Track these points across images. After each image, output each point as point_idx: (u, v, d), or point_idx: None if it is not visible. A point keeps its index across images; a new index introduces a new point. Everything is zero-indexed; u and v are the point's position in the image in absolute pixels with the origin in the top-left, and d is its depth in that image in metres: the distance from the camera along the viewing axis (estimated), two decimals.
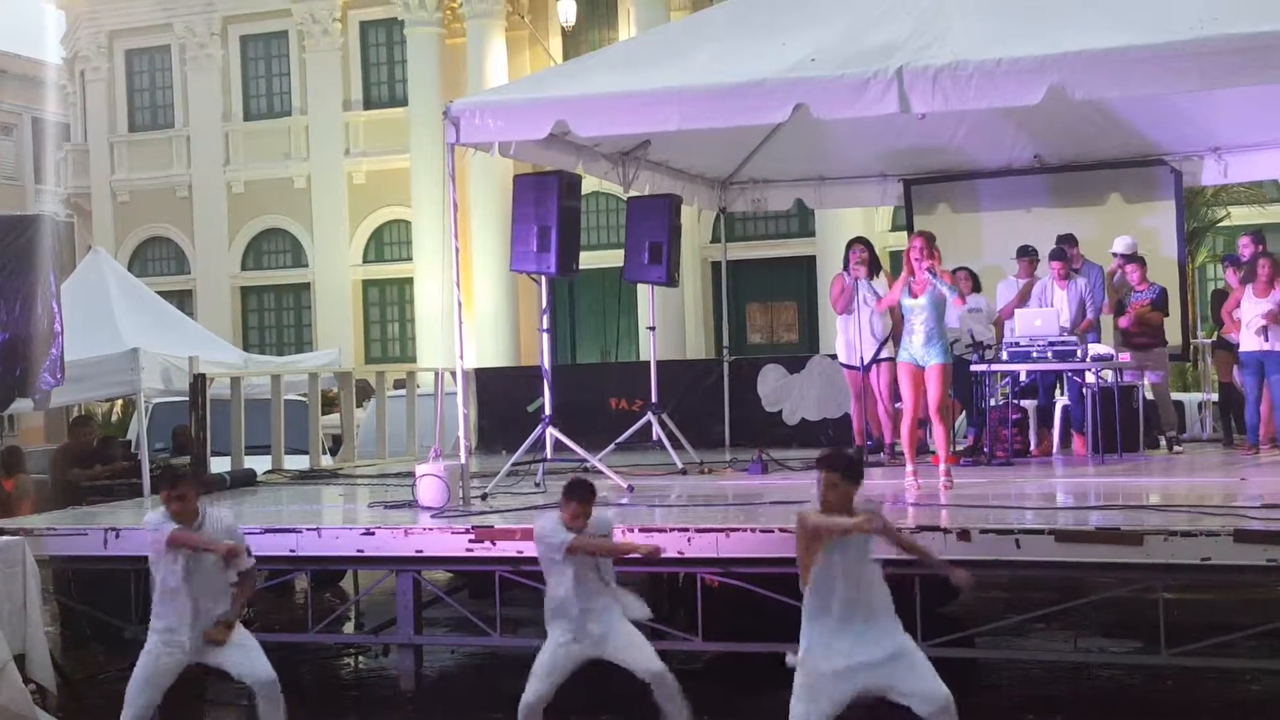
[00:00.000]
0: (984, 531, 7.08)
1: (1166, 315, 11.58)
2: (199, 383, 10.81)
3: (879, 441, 11.27)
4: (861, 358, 10.63)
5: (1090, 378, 10.72)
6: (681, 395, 12.88)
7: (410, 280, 24.85)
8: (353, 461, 12.78)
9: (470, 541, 7.86)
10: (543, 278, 10.07)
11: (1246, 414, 11.05)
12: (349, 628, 10.06)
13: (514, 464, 9.93)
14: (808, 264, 22.50)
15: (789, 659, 5.71)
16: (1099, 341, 11.29)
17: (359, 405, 14.79)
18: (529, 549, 7.76)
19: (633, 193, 11.56)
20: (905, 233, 13.76)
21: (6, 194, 35.81)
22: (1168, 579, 7.05)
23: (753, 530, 7.46)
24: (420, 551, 7.99)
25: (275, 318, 26.98)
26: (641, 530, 7.62)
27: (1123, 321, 11.48)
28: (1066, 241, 11.49)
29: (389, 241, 26.10)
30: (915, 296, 8.91)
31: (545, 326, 10.28)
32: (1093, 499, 8.86)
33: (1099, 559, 6.92)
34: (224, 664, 6.68)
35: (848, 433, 11.51)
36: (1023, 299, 11.37)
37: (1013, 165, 12.82)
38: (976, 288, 11.94)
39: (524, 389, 12.98)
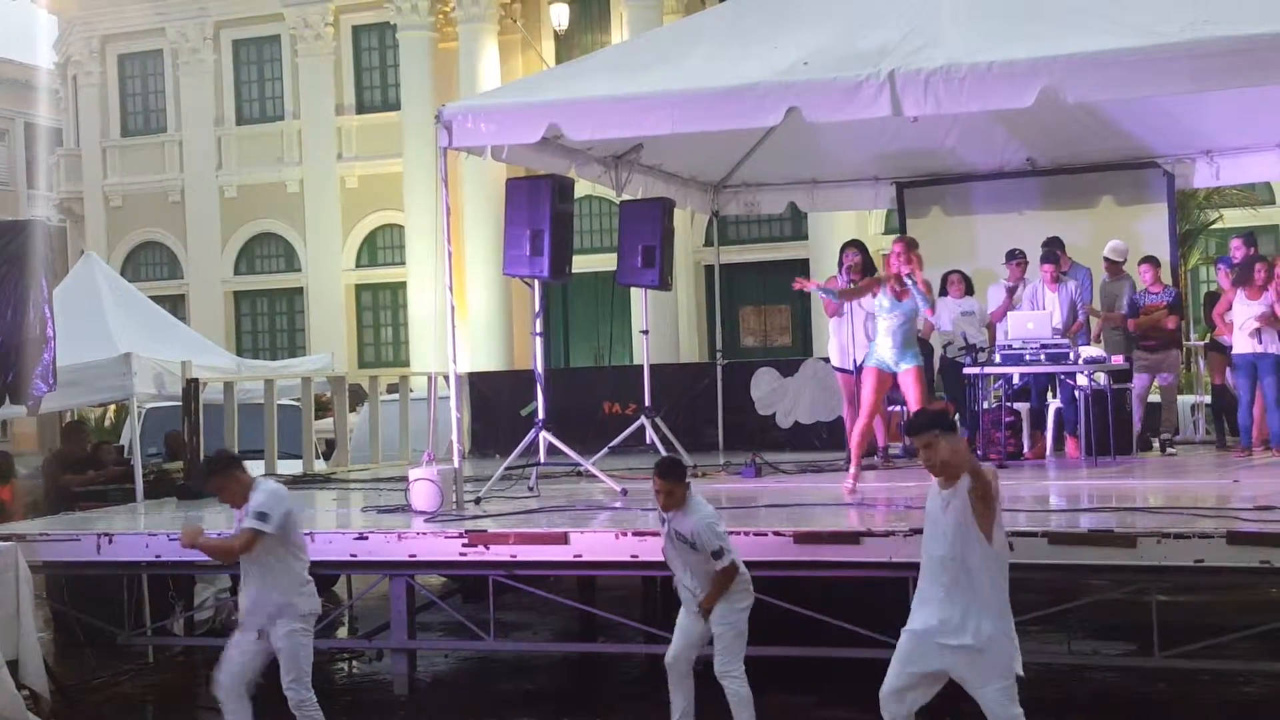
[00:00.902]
0: None
1: (1182, 319, 11.59)
2: (192, 387, 10.79)
3: (872, 444, 11.27)
4: (854, 360, 10.64)
5: (1082, 380, 10.73)
6: (675, 399, 12.88)
7: (403, 284, 24.84)
8: (346, 466, 12.76)
9: (464, 546, 7.85)
10: (536, 281, 10.07)
11: (1239, 416, 11.07)
12: (342, 632, 10.06)
13: (507, 468, 9.92)
14: (800, 267, 22.46)
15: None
16: (1089, 344, 11.30)
17: (352, 409, 14.77)
18: (523, 553, 7.77)
19: (625, 196, 11.56)
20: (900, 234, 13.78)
21: None
22: (1161, 581, 7.05)
23: (746, 534, 7.44)
24: (414, 556, 7.98)
25: (268, 322, 26.95)
26: (635, 534, 7.61)
27: (1132, 324, 11.49)
28: (1054, 244, 11.52)
29: (382, 246, 26.08)
30: (899, 300, 8.93)
31: (538, 330, 10.28)
32: (1086, 501, 8.87)
33: (1092, 561, 6.92)
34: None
35: (841, 436, 11.51)
36: (1007, 311, 11.37)
37: (1005, 168, 12.83)
38: (969, 290, 11.96)
39: (517, 393, 12.99)
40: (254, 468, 11.41)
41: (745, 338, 23.72)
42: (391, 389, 14.81)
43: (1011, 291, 11.46)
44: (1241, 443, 11.03)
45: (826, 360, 11.99)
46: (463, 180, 21.81)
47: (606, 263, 13.82)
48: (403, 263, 24.81)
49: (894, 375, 9.04)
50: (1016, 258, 11.56)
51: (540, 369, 10.22)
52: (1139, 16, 7.82)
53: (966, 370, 11.09)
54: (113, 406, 18.49)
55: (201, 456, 10.93)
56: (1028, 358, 10.72)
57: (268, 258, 26.92)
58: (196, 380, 10.91)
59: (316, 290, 26.04)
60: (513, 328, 23.11)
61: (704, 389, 13.31)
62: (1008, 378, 11.02)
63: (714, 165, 12.90)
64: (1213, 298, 12.23)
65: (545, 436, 9.84)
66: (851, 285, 10.05)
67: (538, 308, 10.31)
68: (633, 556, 7.56)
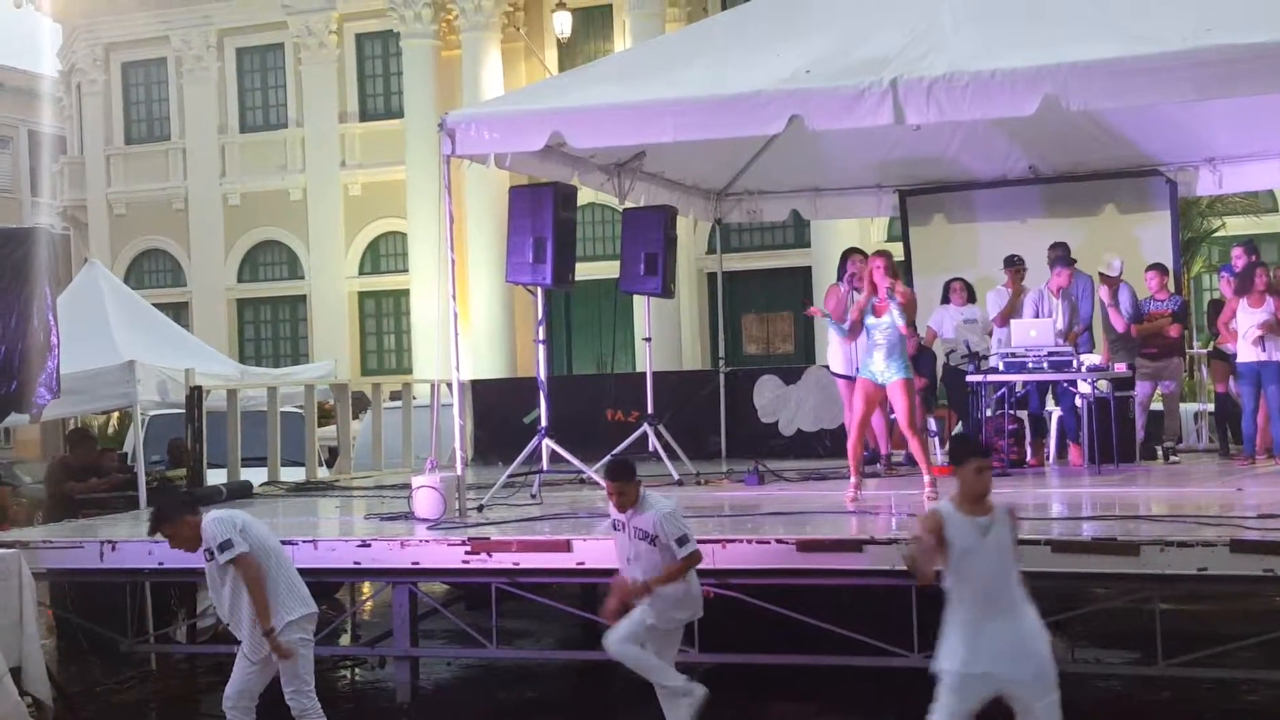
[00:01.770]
0: None
1: (1185, 328, 11.58)
2: (195, 395, 10.81)
3: (875, 452, 11.27)
4: (856, 368, 10.63)
5: (1085, 387, 10.73)
6: (678, 406, 12.87)
7: (406, 292, 24.85)
8: (349, 473, 12.76)
9: (466, 553, 7.85)
10: (538, 289, 10.07)
11: (1244, 424, 11.05)
12: (345, 640, 10.05)
13: (510, 476, 9.92)
14: (803, 275, 22.49)
15: None
16: (1091, 351, 11.29)
17: (355, 417, 14.77)
18: (525, 560, 7.77)
19: (628, 204, 11.57)
20: (901, 243, 13.79)
21: (2, 207, 35.82)
22: (1164, 589, 7.05)
23: (749, 541, 7.45)
24: (416, 563, 7.98)
25: (271, 329, 26.97)
26: None
27: (1135, 330, 11.47)
28: (1060, 248, 11.50)
29: (385, 253, 26.10)
30: (878, 315, 8.97)
31: (541, 338, 10.28)
32: (1089, 509, 8.85)
33: (1095, 569, 6.92)
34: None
35: (843, 443, 11.50)
36: (1012, 309, 11.36)
37: (1008, 176, 12.83)
38: (971, 298, 11.96)
39: (520, 400, 12.99)
40: (257, 475, 11.51)
41: (748, 345, 23.72)
42: (394, 396, 14.81)
43: (1013, 299, 11.43)
44: (1245, 451, 11.02)
45: (828, 368, 11.99)
46: (466, 188, 21.80)
47: (609, 270, 13.83)
48: (406, 270, 24.83)
49: (882, 387, 9.05)
50: (1015, 264, 11.55)
51: (543, 376, 10.22)
52: (1142, 25, 7.83)
53: (969, 378, 11.09)
54: (116, 414, 18.50)
55: (204, 464, 10.98)
56: (1030, 365, 10.72)
57: (271, 265, 26.94)
58: (200, 388, 10.92)
59: (319, 298, 26.05)
60: (515, 335, 23.12)
61: (707, 396, 13.31)
62: (1010, 385, 11.01)
63: (716, 173, 12.91)
64: (1216, 305, 12.22)
65: (548, 444, 9.84)
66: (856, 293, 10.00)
67: (540, 315, 10.32)
68: None
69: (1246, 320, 10.75)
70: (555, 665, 9.61)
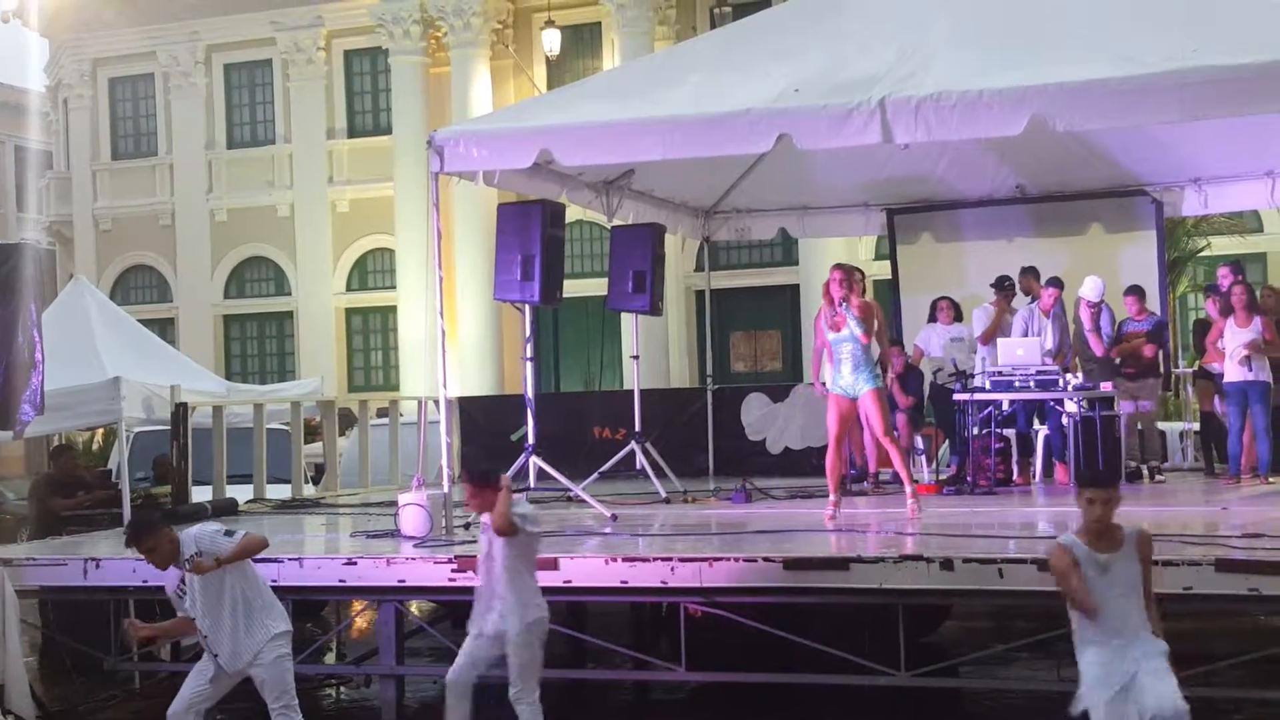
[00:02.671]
0: (967, 561, 7.07)
1: (1160, 347, 11.61)
2: (180, 412, 10.77)
3: (862, 469, 11.29)
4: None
5: (1072, 406, 10.76)
6: (665, 424, 12.87)
7: (394, 308, 24.82)
8: (335, 490, 12.72)
9: (453, 571, 7.82)
10: (526, 306, 10.07)
11: (1229, 444, 11.08)
12: (330, 658, 9.99)
13: None
14: (791, 292, 22.54)
15: None
16: (1070, 370, 11.33)
17: (342, 434, 14.73)
18: None
19: (616, 222, 11.58)
20: (889, 262, 13.83)
21: None
22: None
23: (736, 560, 7.43)
24: (403, 581, 7.94)
25: (258, 346, 26.90)
26: (625, 560, 7.59)
27: (1112, 351, 11.51)
28: (1030, 274, 11.56)
29: (372, 270, 26.08)
30: (837, 330, 8.97)
31: (528, 355, 10.27)
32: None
33: None
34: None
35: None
36: (996, 328, 11.40)
37: (995, 195, 12.89)
38: (958, 317, 12.00)
39: (508, 418, 12.94)
40: (243, 492, 11.47)
41: (736, 363, 23.73)
42: (381, 413, 14.79)
43: (997, 318, 11.47)
44: (1230, 470, 11.05)
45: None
46: (454, 205, 21.84)
47: (597, 287, 13.84)
48: (393, 287, 24.81)
49: (855, 401, 9.05)
50: (1004, 286, 11.58)
51: (531, 394, 10.21)
52: (1128, 46, 7.87)
53: (956, 396, 11.11)
54: (101, 430, 18.43)
55: (189, 481, 10.94)
56: (1017, 384, 10.75)
57: (258, 281, 26.89)
58: (185, 404, 10.89)
59: (307, 314, 26.01)
60: (503, 352, 23.10)
61: (694, 414, 13.31)
62: (996, 404, 11.04)
63: (705, 191, 12.93)
64: (1201, 325, 12.27)
65: (535, 461, 9.83)
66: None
67: (528, 333, 10.31)
68: (622, 582, 7.54)
69: (1233, 340, 10.80)
70: (542, 684, 9.55)
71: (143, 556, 6.66)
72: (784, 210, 13.64)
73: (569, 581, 7.65)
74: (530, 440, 9.92)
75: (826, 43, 8.93)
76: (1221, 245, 19.37)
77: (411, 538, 8.59)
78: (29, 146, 35.02)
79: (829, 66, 8.54)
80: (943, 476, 11.53)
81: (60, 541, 9.76)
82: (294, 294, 26.25)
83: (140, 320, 14.89)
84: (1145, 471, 11.48)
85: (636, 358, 11.94)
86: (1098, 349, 11.32)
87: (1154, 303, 12.24)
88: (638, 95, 8.96)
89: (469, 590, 7.83)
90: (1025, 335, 11.14)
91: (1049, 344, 11.06)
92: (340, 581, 8.04)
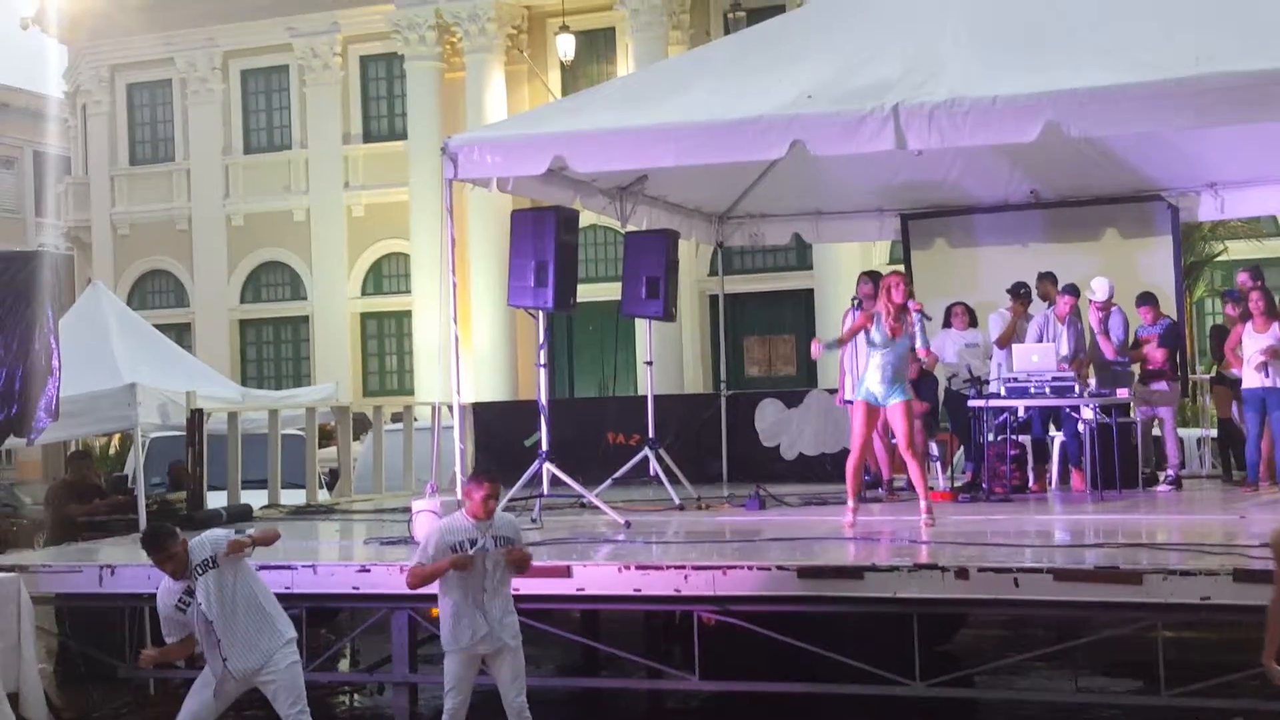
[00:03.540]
0: (982, 570, 7.03)
1: (1172, 351, 11.53)
2: (196, 418, 10.80)
3: (876, 477, 11.25)
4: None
5: (1088, 413, 10.70)
6: (679, 430, 12.85)
7: (409, 313, 24.85)
8: (349, 496, 12.74)
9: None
10: (540, 313, 10.07)
11: (1247, 451, 11.00)
12: (344, 665, 10.00)
13: (510, 499, 9.88)
14: (806, 297, 22.50)
15: None
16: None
17: (356, 438, 14.76)
18: (525, 586, 7.71)
19: (630, 227, 11.58)
20: (904, 266, 13.79)
21: (7, 227, 35.87)
22: (1168, 618, 7.01)
23: (749, 568, 7.41)
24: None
25: (274, 350, 26.97)
26: (638, 568, 7.57)
27: (1116, 356, 11.44)
28: (1048, 279, 11.49)
29: (388, 274, 26.12)
30: (894, 337, 8.89)
31: (542, 361, 10.27)
32: (1091, 536, 8.81)
33: (1097, 598, 6.88)
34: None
35: (845, 468, 11.47)
36: (1013, 332, 11.34)
37: (1009, 201, 12.84)
38: (973, 322, 11.94)
39: (522, 423, 12.95)
40: (258, 498, 11.49)
41: (750, 367, 23.69)
42: (396, 418, 14.81)
43: (1011, 324, 11.41)
44: (1248, 477, 10.97)
45: (833, 391, 11.97)
46: (468, 211, 21.85)
47: (612, 292, 13.81)
48: (408, 291, 24.84)
49: (882, 409, 9.01)
50: (1020, 293, 11.52)
51: (544, 400, 10.21)
52: (1143, 52, 7.84)
53: (971, 403, 11.06)
54: (117, 435, 18.49)
55: (204, 486, 10.96)
56: (1033, 390, 10.70)
57: (274, 286, 26.96)
58: (200, 410, 10.91)
59: (322, 318, 26.06)
60: (517, 358, 23.11)
61: (708, 420, 13.28)
62: (1011, 410, 10.99)
63: (718, 196, 12.92)
64: (1219, 331, 12.20)
65: (549, 468, 9.82)
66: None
67: (542, 339, 10.31)
68: (635, 590, 7.53)
69: (1252, 346, 10.73)
70: (555, 692, 9.56)
71: (156, 565, 6.67)
72: (798, 215, 13.61)
73: (582, 589, 7.64)
74: (544, 446, 9.91)
75: (840, 49, 8.92)
76: (1239, 250, 19.27)
77: None
78: (48, 152, 35.17)
79: (842, 73, 8.54)
80: (958, 483, 11.48)
81: (76, 548, 9.79)
82: (309, 298, 26.31)
83: (157, 325, 14.95)
84: (1163, 479, 11.39)
85: (650, 363, 11.92)
86: (1108, 352, 11.26)
87: (1170, 308, 12.17)
88: (651, 102, 8.97)
89: None
90: (1040, 341, 11.08)
91: (1064, 350, 11.00)
92: (354, 588, 8.05)
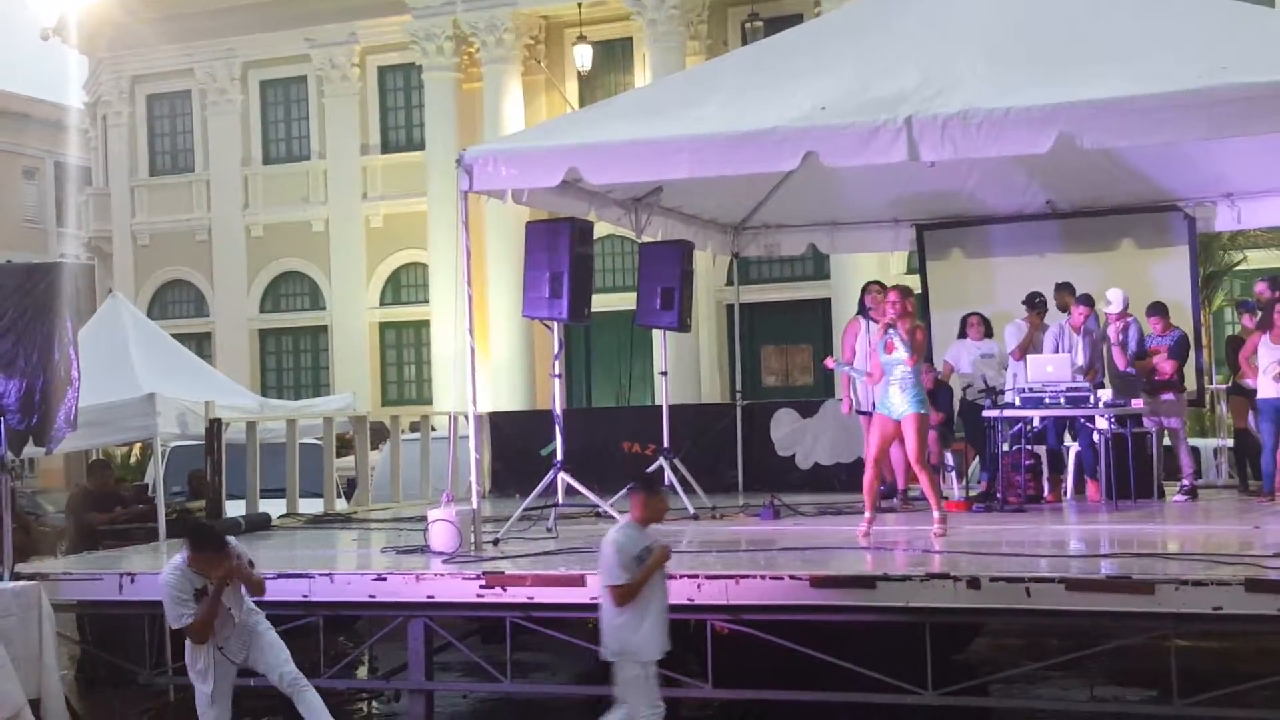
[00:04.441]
0: (994, 580, 7.06)
1: (1181, 362, 11.53)
2: (214, 427, 10.88)
3: (892, 486, 11.26)
4: (873, 403, 10.62)
5: (1103, 423, 10.70)
6: (694, 439, 12.89)
7: (427, 323, 24.95)
8: (367, 505, 12.81)
9: (481, 587, 7.87)
10: (555, 324, 10.12)
11: (1263, 461, 10.99)
12: (362, 672, 10.06)
13: (526, 509, 9.94)
14: (823, 306, 22.50)
15: None
16: (1104, 386, 11.27)
17: (374, 448, 14.83)
18: (540, 595, 7.79)
19: (645, 238, 11.62)
20: (920, 276, 13.81)
21: (29, 237, 36.17)
22: (1181, 628, 7.01)
23: (763, 577, 7.45)
24: (431, 597, 8.00)
25: (293, 360, 27.10)
26: None
27: (1128, 366, 11.43)
28: (1065, 289, 11.51)
29: (406, 284, 26.23)
30: (889, 352, 9.01)
31: (557, 372, 10.33)
32: (1105, 546, 8.83)
33: (1110, 607, 6.89)
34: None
35: (860, 478, 11.48)
36: (1030, 343, 11.35)
37: (1025, 211, 12.83)
38: (989, 333, 11.95)
39: (539, 433, 12.99)
40: (276, 507, 11.56)
41: (767, 377, 23.69)
42: (414, 428, 14.88)
43: (1028, 336, 11.41)
44: (1264, 487, 10.95)
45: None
46: (486, 221, 21.93)
47: (629, 301, 13.86)
48: (426, 301, 24.93)
49: (899, 422, 9.08)
50: (1036, 304, 11.51)
51: (559, 410, 10.26)
52: (1155, 63, 7.85)
53: (986, 413, 11.08)
54: (138, 445, 18.62)
55: (223, 495, 11.04)
56: (1047, 400, 10.70)
57: (293, 296, 27.11)
58: (219, 420, 11.00)
59: (341, 328, 26.19)
60: (535, 367, 23.16)
61: (724, 429, 13.31)
62: (1027, 420, 10.99)
63: (734, 207, 12.95)
64: (1235, 341, 12.18)
65: (564, 477, 9.87)
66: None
67: (557, 349, 10.37)
68: None
69: (1267, 356, 10.72)
70: (571, 700, 9.60)
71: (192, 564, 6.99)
72: (813, 226, 13.62)
73: (596, 598, 7.67)
74: (559, 456, 9.96)
75: (854, 61, 8.95)
76: (1258, 259, 19.20)
77: (440, 553, 8.65)
78: (68, 163, 35.45)
79: (856, 84, 8.56)
80: (973, 493, 11.49)
81: (96, 556, 9.88)
82: (328, 309, 26.44)
83: (177, 335, 15.08)
84: (1178, 489, 11.37)
85: (664, 374, 11.96)
86: (1120, 362, 11.26)
87: (1186, 318, 12.16)
88: (665, 114, 9.00)
89: (497, 606, 7.90)
90: (1056, 352, 11.09)
91: (1079, 360, 11.00)
92: (370, 597, 8.11)
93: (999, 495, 10.88)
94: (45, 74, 36.52)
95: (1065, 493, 11.50)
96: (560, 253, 9.67)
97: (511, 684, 8.23)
